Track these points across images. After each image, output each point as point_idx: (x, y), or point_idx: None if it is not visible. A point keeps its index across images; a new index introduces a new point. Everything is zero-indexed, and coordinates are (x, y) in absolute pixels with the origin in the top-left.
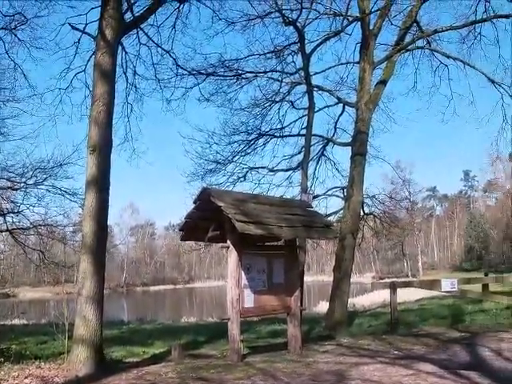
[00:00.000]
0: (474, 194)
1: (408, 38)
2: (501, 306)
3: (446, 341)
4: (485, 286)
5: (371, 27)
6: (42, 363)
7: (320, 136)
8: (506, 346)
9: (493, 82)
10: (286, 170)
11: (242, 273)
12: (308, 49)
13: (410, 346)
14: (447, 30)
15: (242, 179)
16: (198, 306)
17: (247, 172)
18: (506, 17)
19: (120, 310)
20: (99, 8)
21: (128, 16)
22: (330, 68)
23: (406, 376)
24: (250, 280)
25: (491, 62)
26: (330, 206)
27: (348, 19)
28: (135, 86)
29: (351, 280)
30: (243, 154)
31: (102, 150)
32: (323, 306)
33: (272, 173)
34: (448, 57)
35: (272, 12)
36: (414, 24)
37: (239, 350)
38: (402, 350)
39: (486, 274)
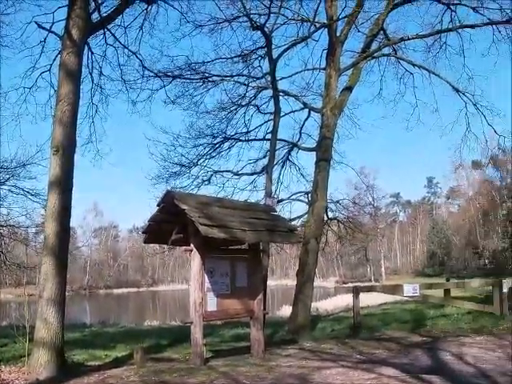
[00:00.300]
0: (437, 201)
1: (374, 46)
2: (462, 311)
3: (408, 345)
4: (446, 291)
5: (338, 34)
6: (2, 366)
7: (285, 141)
8: (466, 351)
9: (457, 90)
10: (251, 174)
11: (206, 276)
12: (275, 54)
13: (372, 350)
14: (413, 38)
15: (206, 182)
16: (161, 310)
17: (212, 175)
18: (472, 27)
19: (82, 312)
20: (66, 7)
21: (95, 16)
22: (296, 73)
23: (368, 380)
24: (213, 284)
25: (456, 71)
26: (294, 210)
27: (315, 25)
28: (101, 87)
29: (314, 284)
30: (208, 157)
31: (66, 150)
32: (286, 310)
33: (237, 176)
34: (413, 65)
35: (240, 16)
36: (381, 32)
37: (202, 354)
38: (365, 354)
39: (448, 280)
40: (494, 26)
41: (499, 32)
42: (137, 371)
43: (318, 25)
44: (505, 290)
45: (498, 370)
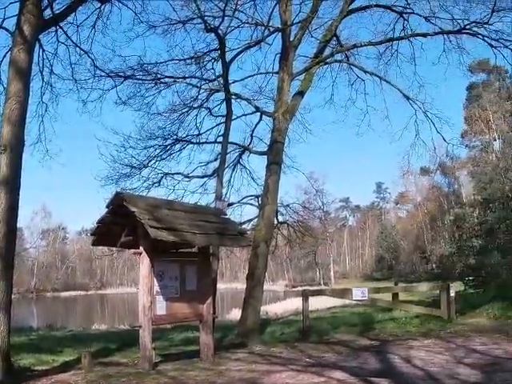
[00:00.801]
0: (386, 206)
1: (327, 52)
2: (410, 315)
3: (357, 348)
4: (394, 295)
5: (292, 38)
6: None
7: (237, 144)
8: (415, 354)
9: (407, 98)
10: (202, 177)
11: (155, 280)
12: (228, 56)
13: (321, 353)
14: (366, 45)
15: (156, 184)
16: (109, 313)
17: (162, 177)
18: (423, 35)
19: (29, 315)
20: (18, 3)
21: (48, 13)
22: (249, 77)
23: (317, 383)
24: (163, 287)
25: (406, 79)
26: (244, 213)
27: (269, 29)
28: (51, 86)
29: (264, 288)
30: (159, 159)
31: (14, 149)
32: (236, 314)
33: (187, 179)
34: (365, 71)
35: (194, 18)
36: (334, 38)
37: (151, 358)
38: (314, 357)
39: (396, 284)
40: (445, 35)
41: (450, 41)
42: (85, 376)
43: (271, 29)
44: (452, 293)
45: (445, 373)
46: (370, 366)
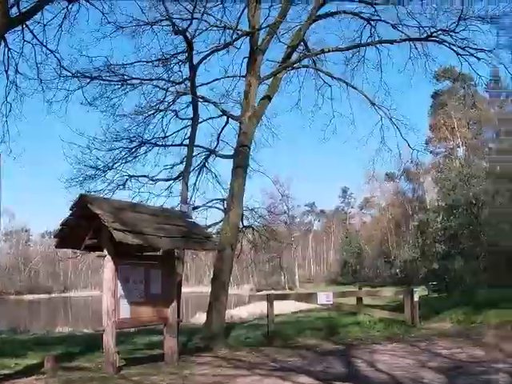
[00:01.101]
0: (351, 211)
1: (295, 57)
2: (374, 319)
3: (322, 352)
4: (359, 300)
5: (259, 43)
6: None
7: (202, 147)
8: (379, 358)
9: (373, 104)
10: (167, 180)
11: (119, 283)
12: (196, 59)
13: (286, 357)
14: (333, 50)
15: (121, 187)
16: (73, 316)
17: (127, 180)
18: (390, 42)
19: None
20: None
21: (14, 11)
22: (216, 80)
23: None
24: (127, 290)
25: (373, 85)
26: (209, 217)
27: (237, 33)
28: (16, 85)
29: (229, 292)
30: (124, 161)
31: None
32: (201, 317)
33: (152, 182)
34: (332, 77)
35: (162, 20)
36: (302, 43)
37: (115, 362)
38: (279, 361)
39: (360, 288)
40: (411, 42)
41: (416, 49)
42: (47, 381)
43: (240, 33)
44: (416, 298)
45: (410, 377)
46: (335, 370)
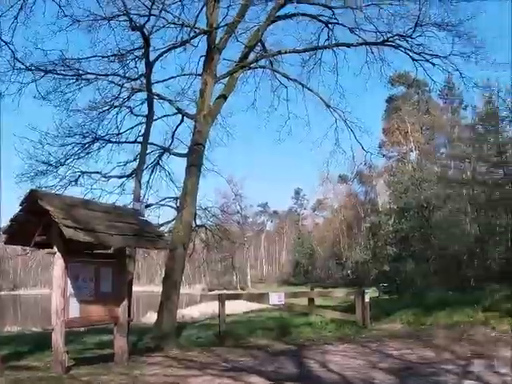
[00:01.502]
0: (304, 212)
1: (252, 57)
2: (326, 320)
3: (274, 353)
4: (310, 300)
5: (217, 41)
6: None
7: (157, 145)
8: (330, 358)
9: (328, 106)
10: (120, 177)
11: (69, 281)
12: (152, 56)
13: (238, 357)
14: (290, 52)
15: (73, 183)
16: (22, 315)
17: (79, 176)
18: (347, 46)
19: None
20: None
21: None
22: (172, 77)
23: None
24: (77, 289)
25: (328, 88)
26: (162, 216)
27: (195, 31)
28: None
29: (181, 291)
30: (77, 157)
31: None
32: (152, 317)
33: (105, 179)
34: (288, 78)
35: (120, 15)
36: (259, 43)
37: (64, 362)
38: (231, 361)
39: (312, 289)
40: (368, 46)
41: (372, 53)
42: None
43: (197, 31)
44: (367, 299)
45: (361, 378)
46: (287, 371)
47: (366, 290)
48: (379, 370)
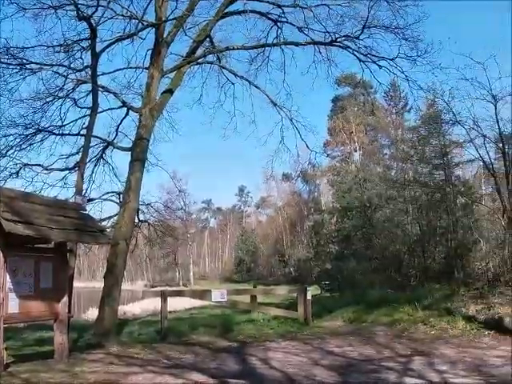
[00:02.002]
0: (247, 210)
1: (200, 52)
2: (268, 317)
3: (216, 350)
4: (253, 298)
5: (165, 35)
6: None
7: (100, 138)
8: (272, 355)
9: (275, 104)
10: (62, 170)
11: (7, 276)
12: (99, 47)
13: (180, 354)
14: (238, 49)
15: (14, 175)
16: None
17: (21, 168)
18: (296, 44)
19: None
20: None
21: None
22: (118, 70)
23: None
24: (16, 284)
25: (275, 86)
26: (104, 210)
27: (143, 23)
28: None
29: (122, 287)
30: (18, 148)
31: None
32: (93, 313)
33: (47, 171)
34: (235, 75)
35: (67, 4)
36: (208, 39)
37: (2, 359)
38: (172, 358)
39: (255, 286)
40: (316, 46)
41: (320, 53)
42: None
43: (145, 23)
44: (309, 297)
45: (302, 375)
46: (229, 368)
47: (308, 288)
48: (321, 367)
